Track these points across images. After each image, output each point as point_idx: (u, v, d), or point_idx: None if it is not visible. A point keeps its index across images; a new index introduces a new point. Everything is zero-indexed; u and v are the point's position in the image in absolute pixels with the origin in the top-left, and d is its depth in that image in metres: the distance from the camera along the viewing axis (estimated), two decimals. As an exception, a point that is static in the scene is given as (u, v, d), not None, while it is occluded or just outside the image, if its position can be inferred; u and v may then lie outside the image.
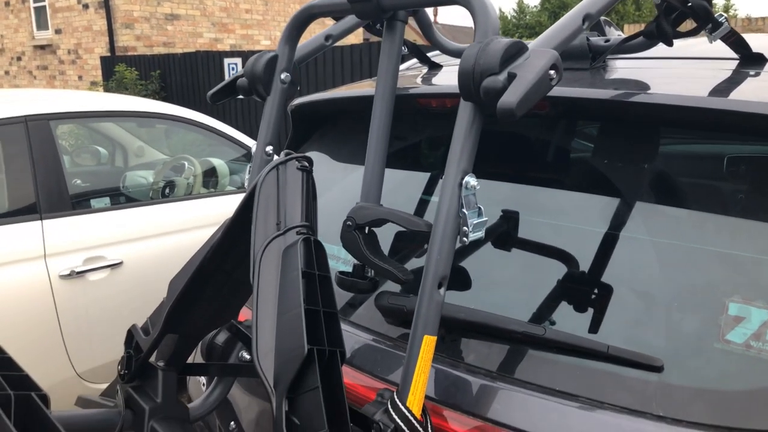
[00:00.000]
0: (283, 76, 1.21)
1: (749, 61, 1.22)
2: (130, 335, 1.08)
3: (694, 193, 1.01)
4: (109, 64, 10.44)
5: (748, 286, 0.88)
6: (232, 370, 1.12)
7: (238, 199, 3.75)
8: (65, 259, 2.66)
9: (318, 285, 0.87)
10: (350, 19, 1.36)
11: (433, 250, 0.88)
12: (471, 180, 0.87)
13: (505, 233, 1.12)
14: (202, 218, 3.20)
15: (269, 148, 1.21)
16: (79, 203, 3.09)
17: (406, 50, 1.60)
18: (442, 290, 0.88)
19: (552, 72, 0.82)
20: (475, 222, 0.87)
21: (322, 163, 1.55)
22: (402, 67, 2.22)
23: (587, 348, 0.91)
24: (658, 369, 0.87)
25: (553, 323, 1.00)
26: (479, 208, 0.89)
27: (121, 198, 3.40)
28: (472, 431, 0.93)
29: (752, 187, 0.97)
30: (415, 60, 1.92)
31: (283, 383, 0.80)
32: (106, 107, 3.18)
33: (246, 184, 1.26)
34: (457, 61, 1.72)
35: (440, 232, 0.87)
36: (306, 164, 0.98)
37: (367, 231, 1.09)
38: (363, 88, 1.69)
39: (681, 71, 1.24)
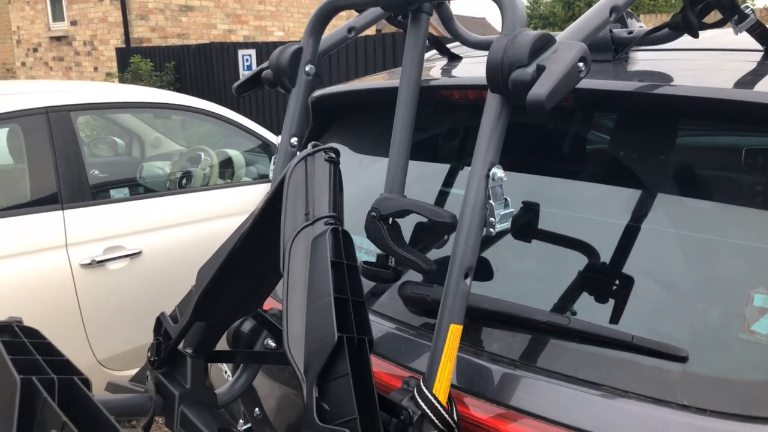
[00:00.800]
0: (307, 68, 1.22)
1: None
2: (159, 323, 1.10)
3: (718, 185, 1.01)
4: (124, 55, 10.50)
5: (774, 277, 0.89)
6: (258, 358, 1.15)
7: (254, 189, 3.77)
8: (86, 248, 2.70)
9: (346, 274, 0.88)
10: (373, 11, 1.37)
11: (460, 240, 0.89)
12: (498, 171, 0.88)
13: (526, 224, 1.12)
14: (219, 209, 3.24)
15: (294, 140, 1.23)
16: (98, 193, 3.14)
17: (427, 42, 1.61)
18: (468, 280, 0.89)
19: (581, 64, 0.82)
20: (501, 213, 0.88)
21: (341, 154, 1.56)
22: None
23: (612, 338, 0.92)
24: (682, 359, 0.88)
25: (574, 313, 1.01)
26: (505, 200, 0.90)
27: (139, 189, 3.45)
28: (495, 418, 0.94)
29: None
30: (434, 51, 1.92)
31: (313, 370, 0.82)
32: (126, 98, 3.21)
33: (271, 175, 1.28)
34: (478, 52, 1.73)
35: (467, 222, 0.88)
36: (333, 156, 0.99)
37: (390, 222, 1.10)
38: (380, 80, 1.70)
39: (705, 63, 1.24)
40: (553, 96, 0.77)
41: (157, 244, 2.97)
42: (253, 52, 8.17)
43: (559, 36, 0.90)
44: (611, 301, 1.00)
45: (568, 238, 1.09)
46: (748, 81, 1.08)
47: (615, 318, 0.97)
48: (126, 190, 3.27)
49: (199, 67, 9.24)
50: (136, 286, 2.88)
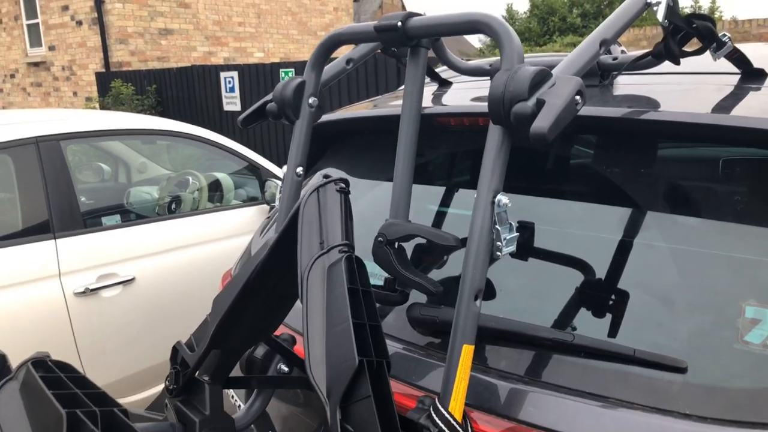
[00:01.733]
0: (311, 100, 1.27)
1: (751, 76, 1.29)
2: (176, 351, 1.13)
3: (706, 202, 1.08)
4: (104, 79, 10.48)
5: (763, 289, 0.95)
6: (273, 382, 1.18)
7: (244, 213, 3.79)
8: (79, 276, 2.70)
9: (362, 300, 0.93)
10: (369, 44, 1.43)
11: (468, 264, 0.94)
12: (503, 198, 0.93)
13: (523, 244, 1.17)
14: (210, 233, 3.26)
15: (299, 169, 1.27)
16: (90, 221, 3.14)
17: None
18: (478, 302, 0.94)
19: (578, 97, 0.88)
20: (507, 237, 0.93)
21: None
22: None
23: (615, 352, 0.97)
24: (682, 370, 0.93)
25: (575, 329, 1.06)
26: (510, 224, 0.95)
27: (131, 215, 3.45)
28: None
29: (760, 195, 1.04)
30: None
31: (336, 393, 0.85)
32: (115, 126, 3.23)
33: (277, 204, 1.32)
34: (466, 78, 1.79)
35: (474, 247, 0.93)
36: (344, 186, 1.04)
37: (396, 246, 1.15)
38: (371, 108, 1.76)
39: (686, 87, 1.31)
40: (555, 129, 0.83)
41: (150, 270, 2.98)
42: (235, 74, 8.22)
43: (555, 70, 0.96)
44: (611, 317, 1.05)
45: (565, 256, 1.14)
46: (728, 105, 1.15)
47: (615, 333, 1.02)
48: (117, 217, 3.28)
49: (180, 90, 9.26)
50: (130, 313, 2.88)
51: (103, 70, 11.22)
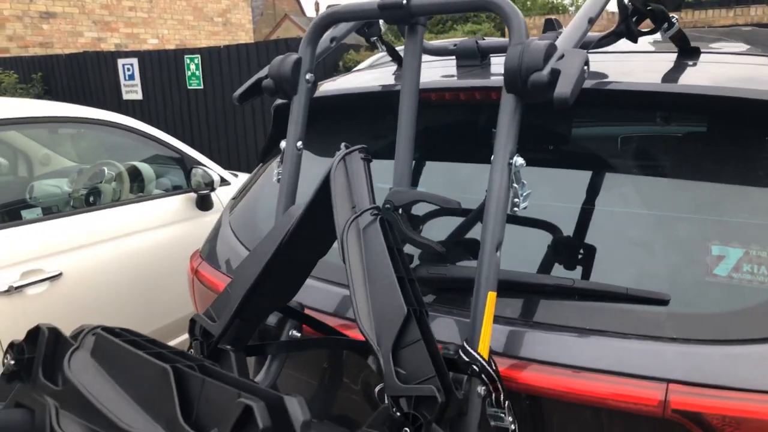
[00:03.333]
0: (308, 76, 1.31)
1: (688, 53, 1.49)
2: (194, 324, 1.14)
3: (675, 167, 1.25)
4: (-21, 67, 9.56)
5: (725, 232, 1.13)
6: (288, 347, 1.22)
7: (171, 202, 3.68)
8: (1, 274, 2.54)
9: (398, 257, 1.00)
10: (350, 23, 1.48)
11: (489, 219, 1.04)
12: (519, 159, 1.04)
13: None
14: (136, 224, 3.15)
15: (299, 144, 1.31)
16: (6, 215, 2.94)
17: (384, 48, 1.75)
18: (498, 253, 1.04)
19: (585, 68, 1.01)
20: (524, 194, 1.05)
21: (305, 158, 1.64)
22: (366, 63, 2.35)
23: (611, 292, 1.11)
24: (666, 302, 1.09)
25: (573, 277, 1.19)
26: (524, 182, 1.06)
27: (53, 208, 3.25)
28: (525, 371, 1.10)
29: (712, 158, 1.23)
30: (381, 55, 2.06)
31: (386, 341, 0.93)
32: (11, 114, 2.96)
33: (275, 178, 1.35)
34: (431, 58, 1.88)
35: (494, 203, 1.04)
36: (368, 155, 1.10)
37: (401, 212, 1.23)
38: (336, 86, 1.81)
39: (636, 63, 1.49)
40: (574, 94, 0.95)
41: (77, 264, 2.84)
42: (135, 60, 7.81)
43: (558, 43, 1.08)
44: (605, 265, 1.19)
45: (560, 219, 1.27)
46: (673, 77, 1.34)
47: (609, 277, 1.17)
48: (39, 210, 3.08)
49: (71, 78, 8.65)
50: (60, 310, 2.74)
51: (-23, 57, 10.22)
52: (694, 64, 1.42)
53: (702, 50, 1.49)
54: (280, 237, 1.07)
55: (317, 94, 1.70)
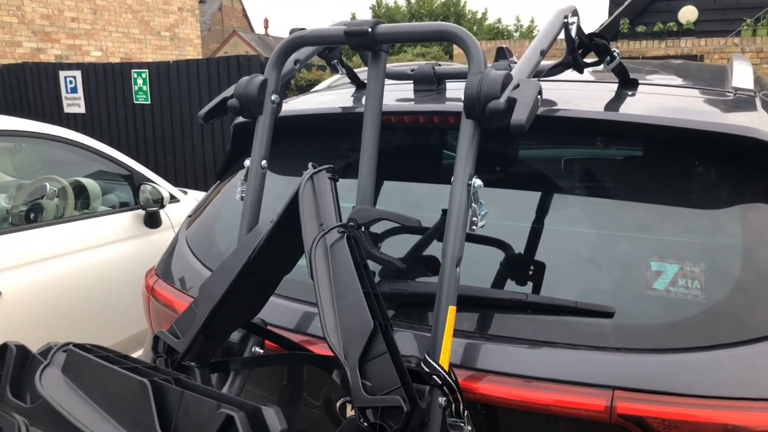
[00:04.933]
0: (273, 97, 1.34)
1: (627, 84, 1.61)
2: (157, 341, 1.15)
3: (619, 188, 1.35)
4: None
5: (662, 249, 1.23)
6: (256, 362, 1.24)
7: (118, 219, 3.58)
8: (-63, 294, 2.43)
9: (364, 272, 1.04)
10: (313, 47, 1.53)
11: (449, 237, 1.10)
12: (477, 180, 1.11)
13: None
14: (81, 242, 3.07)
15: (264, 162, 1.34)
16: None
17: (344, 71, 1.80)
18: (458, 269, 1.10)
19: (539, 97, 1.09)
20: (482, 213, 1.11)
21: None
22: (324, 84, 2.40)
23: (560, 305, 1.19)
24: (611, 315, 1.17)
25: (525, 292, 1.26)
26: (481, 203, 1.13)
27: (-8, 225, 3.12)
28: (480, 382, 1.15)
29: (649, 180, 1.33)
30: (338, 77, 2.11)
31: (353, 354, 0.96)
32: None
33: (238, 196, 1.37)
34: (389, 81, 1.95)
35: (454, 222, 1.10)
36: (334, 174, 1.14)
37: (363, 230, 1.27)
38: (296, 106, 1.84)
39: (581, 92, 1.60)
40: (529, 121, 1.03)
41: (18, 283, 2.75)
42: (78, 73, 7.60)
43: (513, 72, 1.16)
44: (554, 281, 1.27)
45: (513, 238, 1.34)
46: (614, 106, 1.45)
47: (559, 292, 1.24)
48: (-27, 228, 2.96)
49: (9, 90, 8.33)
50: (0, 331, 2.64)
51: None
52: (633, 94, 1.54)
53: (639, 81, 1.61)
54: (247, 254, 1.10)
55: (310, 111, 1.73)
